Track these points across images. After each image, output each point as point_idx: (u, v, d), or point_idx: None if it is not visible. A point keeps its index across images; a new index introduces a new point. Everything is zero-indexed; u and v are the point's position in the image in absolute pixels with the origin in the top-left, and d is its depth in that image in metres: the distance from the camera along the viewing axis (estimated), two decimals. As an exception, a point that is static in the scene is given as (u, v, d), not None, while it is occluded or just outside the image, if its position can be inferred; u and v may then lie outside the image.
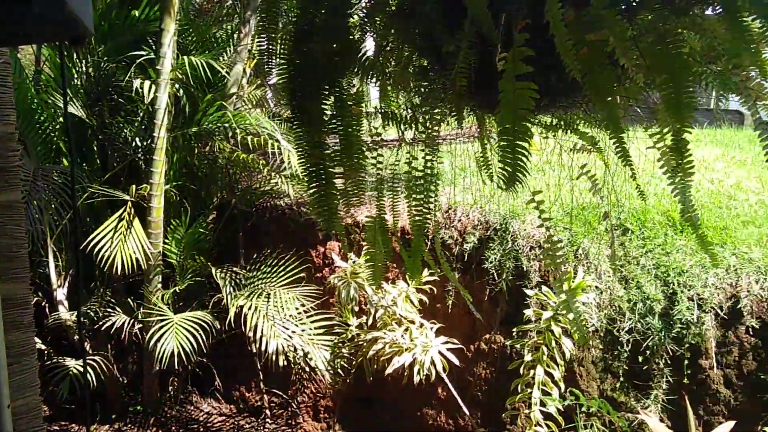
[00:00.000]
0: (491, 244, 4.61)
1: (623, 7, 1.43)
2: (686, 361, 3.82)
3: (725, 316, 3.79)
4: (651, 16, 1.36)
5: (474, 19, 1.32)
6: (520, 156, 1.20)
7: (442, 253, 4.77)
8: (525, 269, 4.41)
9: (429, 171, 1.54)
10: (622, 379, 3.99)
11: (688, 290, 3.91)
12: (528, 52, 1.18)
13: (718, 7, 1.39)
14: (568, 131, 1.89)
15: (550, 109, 1.73)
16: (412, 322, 4.30)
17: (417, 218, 1.64)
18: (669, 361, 3.86)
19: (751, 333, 3.73)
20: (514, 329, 4.08)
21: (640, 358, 3.92)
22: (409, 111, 1.86)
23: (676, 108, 1.24)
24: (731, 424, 3.48)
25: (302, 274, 5.31)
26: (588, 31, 1.23)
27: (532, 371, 3.74)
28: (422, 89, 1.70)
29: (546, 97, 1.59)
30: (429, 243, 4.76)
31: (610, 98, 1.24)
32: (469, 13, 1.34)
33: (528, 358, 3.79)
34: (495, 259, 4.53)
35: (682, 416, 3.70)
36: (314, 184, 1.71)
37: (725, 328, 3.79)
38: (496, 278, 4.48)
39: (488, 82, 1.40)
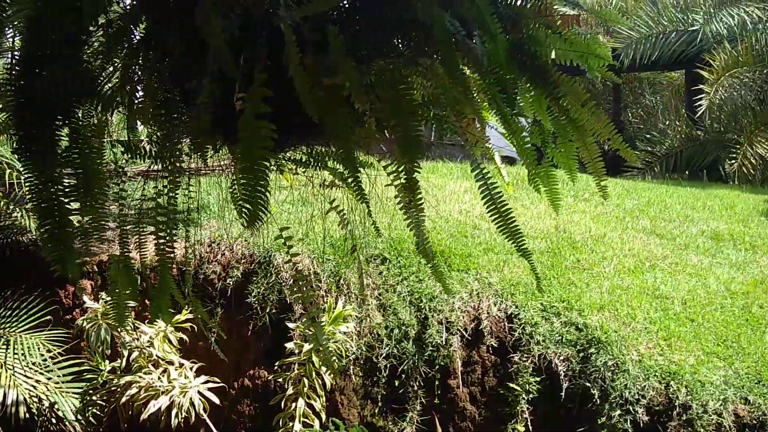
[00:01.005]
0: (255, 278, 4.58)
1: (362, 52, 1.51)
2: (437, 382, 4.09)
3: (469, 337, 4.13)
4: (384, 64, 1.46)
5: (215, 56, 1.32)
6: (260, 194, 1.21)
7: (204, 288, 4.64)
8: (288, 302, 4.43)
9: (172, 206, 1.49)
10: (380, 403, 4.16)
11: (438, 314, 4.20)
12: (266, 92, 1.20)
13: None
14: (318, 167, 1.95)
15: (297, 145, 1.77)
16: (171, 363, 4.10)
17: (162, 255, 1.57)
18: (422, 383, 4.10)
19: (491, 351, 4.10)
20: (277, 363, 4.07)
21: (397, 382, 4.12)
22: (156, 144, 1.79)
23: (407, 149, 1.33)
24: (477, 437, 3.79)
25: (49, 317, 4.84)
26: (325, 76, 1.28)
27: (294, 404, 3.75)
28: (167, 122, 1.65)
29: (293, 135, 1.63)
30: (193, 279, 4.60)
31: (346, 138, 1.30)
32: (210, 50, 1.34)
33: (290, 391, 3.80)
34: (258, 292, 4.51)
35: (434, 434, 3.95)
36: (47, 222, 1.57)
37: (470, 348, 4.13)
38: (260, 312, 4.45)
39: (232, 117, 1.40)
